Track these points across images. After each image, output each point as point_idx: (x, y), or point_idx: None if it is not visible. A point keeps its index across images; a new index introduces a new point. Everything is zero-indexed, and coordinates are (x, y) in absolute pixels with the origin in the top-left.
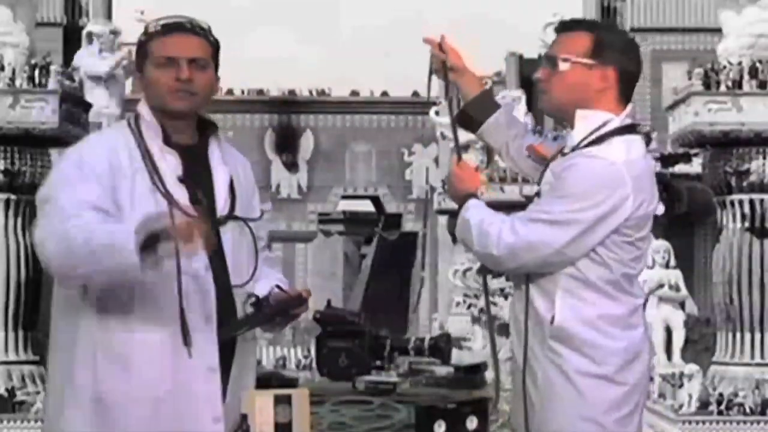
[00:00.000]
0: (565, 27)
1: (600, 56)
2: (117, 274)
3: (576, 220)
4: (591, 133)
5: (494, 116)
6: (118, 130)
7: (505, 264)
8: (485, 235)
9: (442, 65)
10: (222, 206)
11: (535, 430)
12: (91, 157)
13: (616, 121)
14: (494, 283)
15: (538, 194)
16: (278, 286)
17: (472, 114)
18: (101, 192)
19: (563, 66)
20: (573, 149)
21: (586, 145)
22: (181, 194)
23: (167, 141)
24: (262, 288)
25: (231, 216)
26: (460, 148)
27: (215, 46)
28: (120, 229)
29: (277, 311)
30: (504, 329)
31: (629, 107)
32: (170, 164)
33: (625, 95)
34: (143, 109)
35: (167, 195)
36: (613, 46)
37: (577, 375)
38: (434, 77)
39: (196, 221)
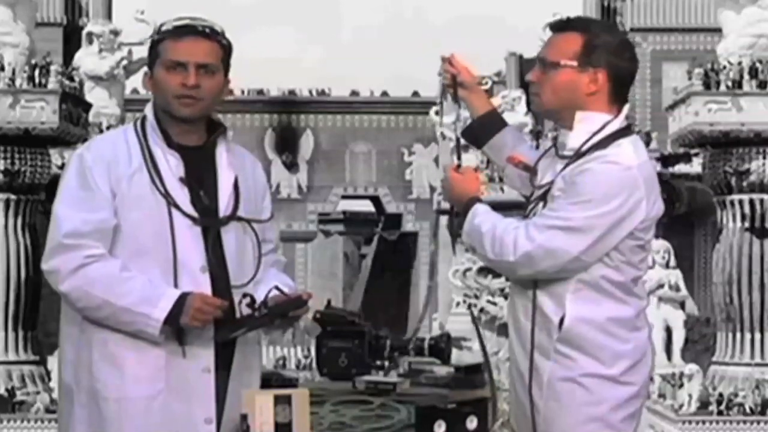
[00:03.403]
0: (556, 27)
1: (590, 58)
2: (131, 329)
3: (593, 226)
4: (592, 135)
5: (500, 134)
6: (125, 130)
7: (521, 271)
8: (500, 243)
9: (453, 80)
10: (224, 207)
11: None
12: (93, 163)
13: (616, 123)
14: (494, 283)
15: (540, 197)
16: (277, 288)
17: (478, 131)
18: (102, 201)
19: (553, 68)
20: (576, 152)
21: (591, 148)
22: (181, 195)
23: (170, 142)
24: (263, 290)
25: (233, 217)
26: (461, 151)
27: (227, 50)
28: (145, 313)
29: (275, 313)
30: (504, 329)
31: (626, 108)
32: (172, 165)
33: (619, 96)
34: (148, 110)
35: (166, 195)
36: (604, 47)
37: (585, 377)
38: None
39: (212, 307)
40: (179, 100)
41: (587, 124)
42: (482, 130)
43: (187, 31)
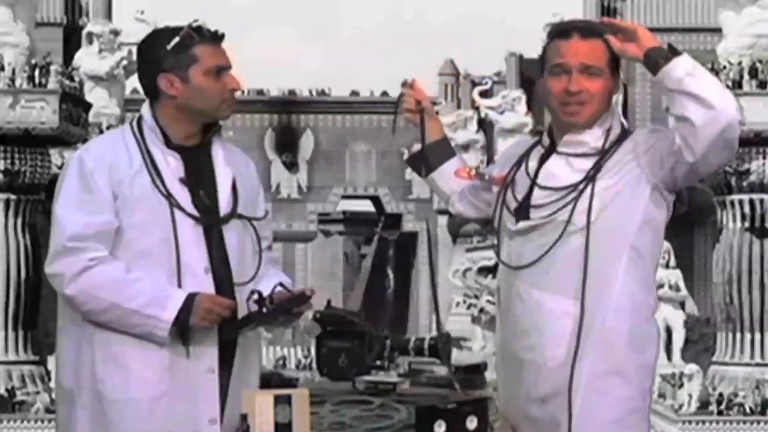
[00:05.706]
0: (584, 33)
1: (616, 62)
2: (138, 331)
3: None
4: (607, 132)
5: (450, 161)
6: (122, 132)
7: (726, 122)
8: (720, 89)
9: (417, 104)
10: (225, 206)
11: (576, 429)
12: (94, 166)
13: (617, 117)
14: (494, 283)
15: (572, 195)
16: (281, 284)
17: (429, 156)
18: (104, 203)
19: (600, 75)
20: (601, 150)
21: (617, 141)
22: (182, 195)
23: (169, 143)
24: (265, 287)
25: (234, 215)
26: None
27: None
28: (154, 316)
29: (280, 309)
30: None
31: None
32: (172, 166)
33: None
34: (145, 111)
35: (168, 197)
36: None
37: (627, 366)
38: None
39: (221, 307)
40: (226, 102)
41: (604, 121)
42: (434, 156)
43: (218, 36)
